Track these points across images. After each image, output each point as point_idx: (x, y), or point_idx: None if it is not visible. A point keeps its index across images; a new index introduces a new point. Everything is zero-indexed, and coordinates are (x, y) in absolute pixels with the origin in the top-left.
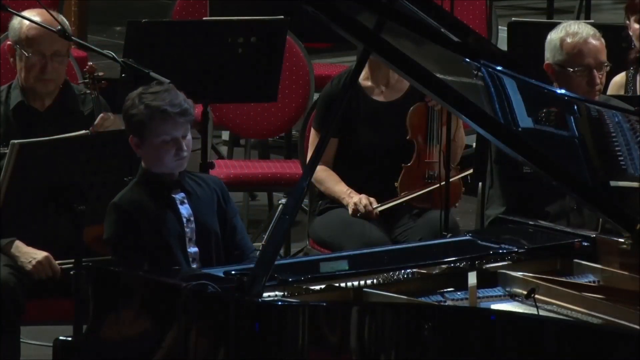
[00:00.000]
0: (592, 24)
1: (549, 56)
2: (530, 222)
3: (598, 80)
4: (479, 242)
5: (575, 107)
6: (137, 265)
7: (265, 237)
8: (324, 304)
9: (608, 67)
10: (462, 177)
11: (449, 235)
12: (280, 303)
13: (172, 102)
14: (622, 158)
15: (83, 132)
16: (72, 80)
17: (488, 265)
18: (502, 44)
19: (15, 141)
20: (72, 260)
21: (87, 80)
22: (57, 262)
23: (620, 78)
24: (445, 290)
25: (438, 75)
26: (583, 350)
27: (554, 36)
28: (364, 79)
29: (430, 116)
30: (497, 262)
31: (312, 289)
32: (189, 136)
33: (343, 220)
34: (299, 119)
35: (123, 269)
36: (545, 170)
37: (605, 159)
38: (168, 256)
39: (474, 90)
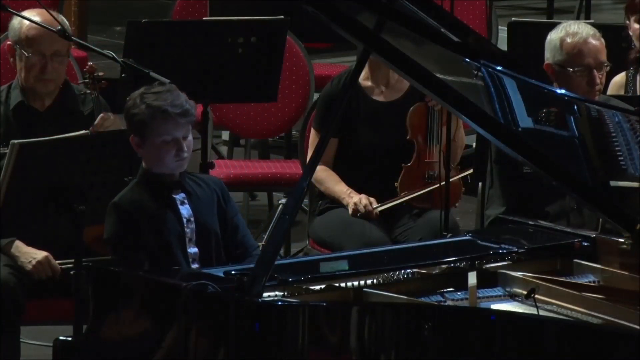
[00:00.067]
0: (592, 24)
1: (549, 56)
2: (530, 222)
3: (598, 80)
4: (479, 242)
5: (575, 107)
6: (137, 265)
7: (265, 237)
8: (324, 304)
9: (608, 67)
10: (462, 177)
11: (449, 235)
12: (280, 303)
13: (173, 103)
14: (622, 158)
15: (83, 132)
16: (72, 80)
17: (488, 265)
18: (502, 44)
19: (15, 141)
20: (72, 260)
21: (87, 80)
22: (57, 262)
23: (620, 78)
24: (445, 290)
25: (438, 75)
26: (583, 350)
27: (553, 36)
28: (364, 79)
29: (430, 116)
30: (497, 262)
31: (312, 289)
32: (190, 137)
33: (343, 220)
34: (299, 119)
35: (123, 269)
36: (545, 170)
37: (605, 159)
38: (168, 256)
39: (474, 90)
